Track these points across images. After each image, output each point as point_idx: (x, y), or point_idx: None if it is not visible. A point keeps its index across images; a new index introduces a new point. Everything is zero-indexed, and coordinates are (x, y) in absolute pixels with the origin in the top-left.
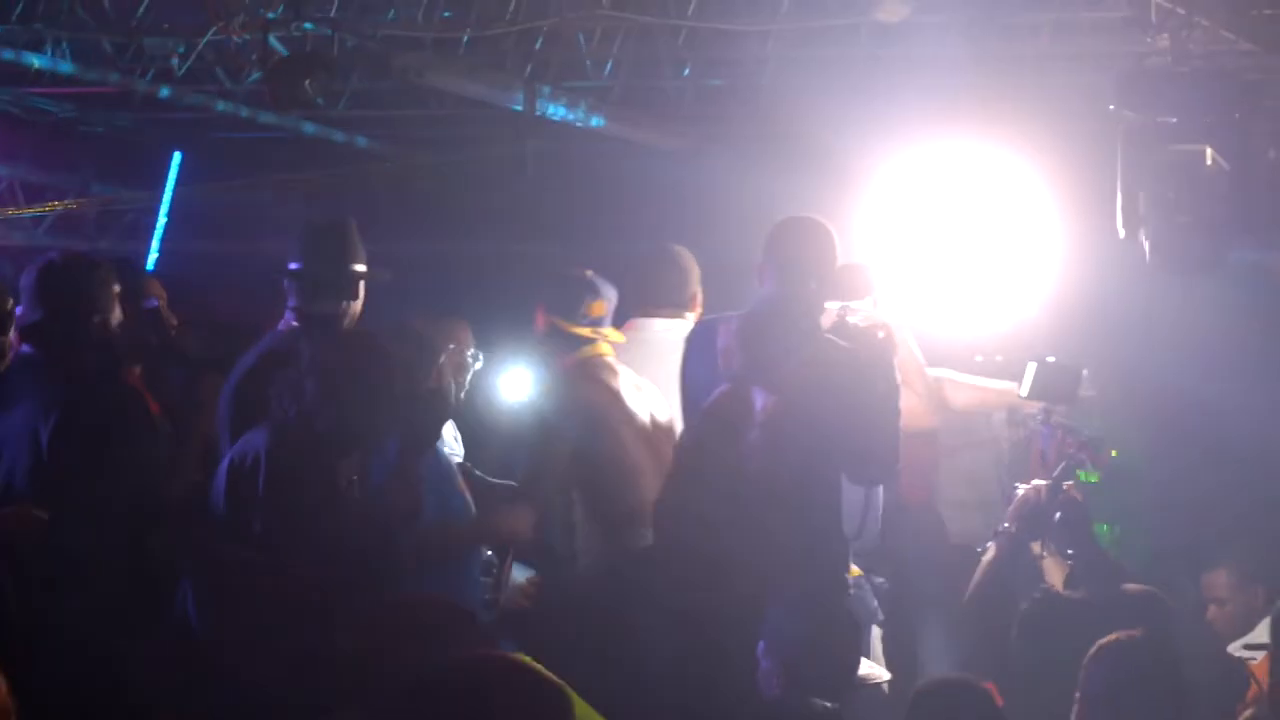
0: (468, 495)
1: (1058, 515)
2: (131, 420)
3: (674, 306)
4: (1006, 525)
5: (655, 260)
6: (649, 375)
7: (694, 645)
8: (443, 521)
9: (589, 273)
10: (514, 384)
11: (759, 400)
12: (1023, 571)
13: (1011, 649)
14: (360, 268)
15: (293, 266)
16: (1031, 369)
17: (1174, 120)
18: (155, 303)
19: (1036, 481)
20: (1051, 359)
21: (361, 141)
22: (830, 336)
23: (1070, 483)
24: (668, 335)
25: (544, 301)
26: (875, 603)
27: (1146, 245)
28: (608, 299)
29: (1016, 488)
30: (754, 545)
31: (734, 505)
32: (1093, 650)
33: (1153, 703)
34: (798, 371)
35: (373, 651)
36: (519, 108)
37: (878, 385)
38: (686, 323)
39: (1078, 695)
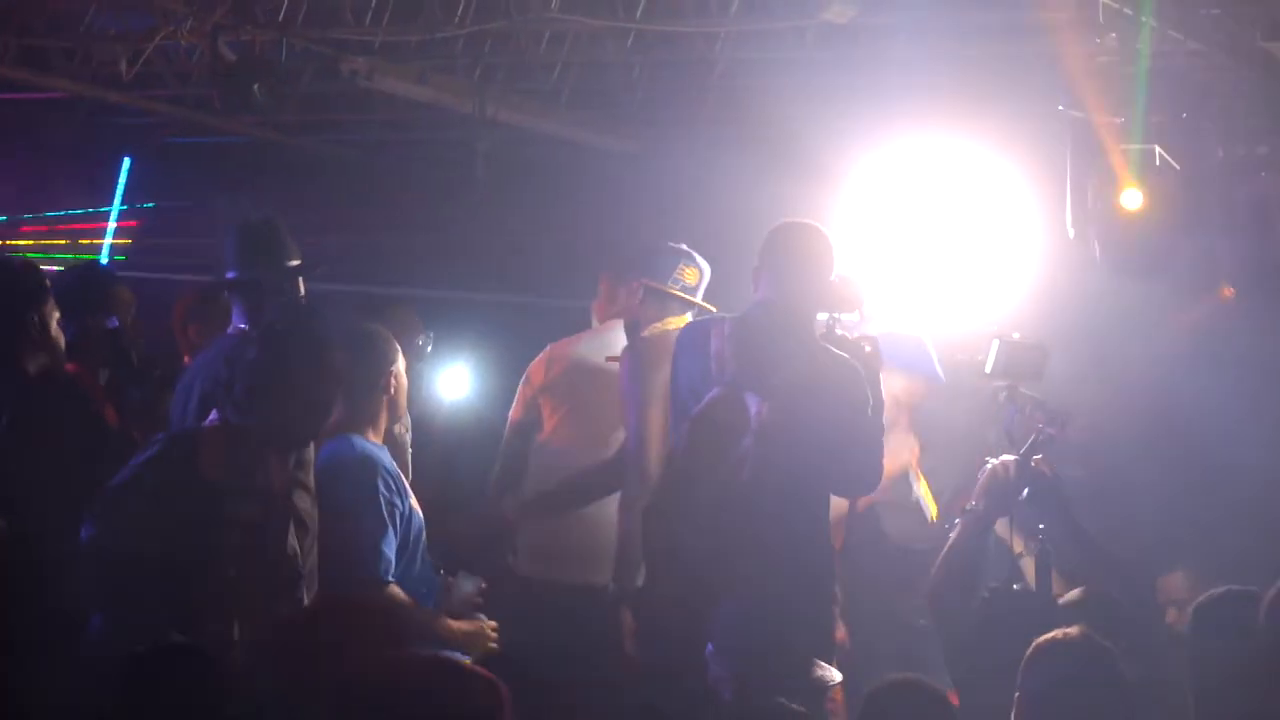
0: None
1: (1025, 491)
2: (80, 418)
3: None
4: (974, 503)
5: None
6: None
7: (678, 647)
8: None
9: (683, 245)
10: (453, 382)
11: (753, 406)
12: (991, 554)
13: (965, 647)
14: (295, 263)
15: (230, 275)
16: (995, 346)
17: (1121, 120)
18: (115, 322)
19: (1005, 457)
20: (1016, 336)
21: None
22: (825, 344)
23: (1039, 457)
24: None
25: (637, 269)
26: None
27: (1096, 245)
28: (703, 270)
29: (986, 462)
30: (742, 551)
31: (724, 511)
32: (1030, 649)
33: (1091, 703)
34: (792, 379)
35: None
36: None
37: (867, 401)
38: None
39: (1016, 695)
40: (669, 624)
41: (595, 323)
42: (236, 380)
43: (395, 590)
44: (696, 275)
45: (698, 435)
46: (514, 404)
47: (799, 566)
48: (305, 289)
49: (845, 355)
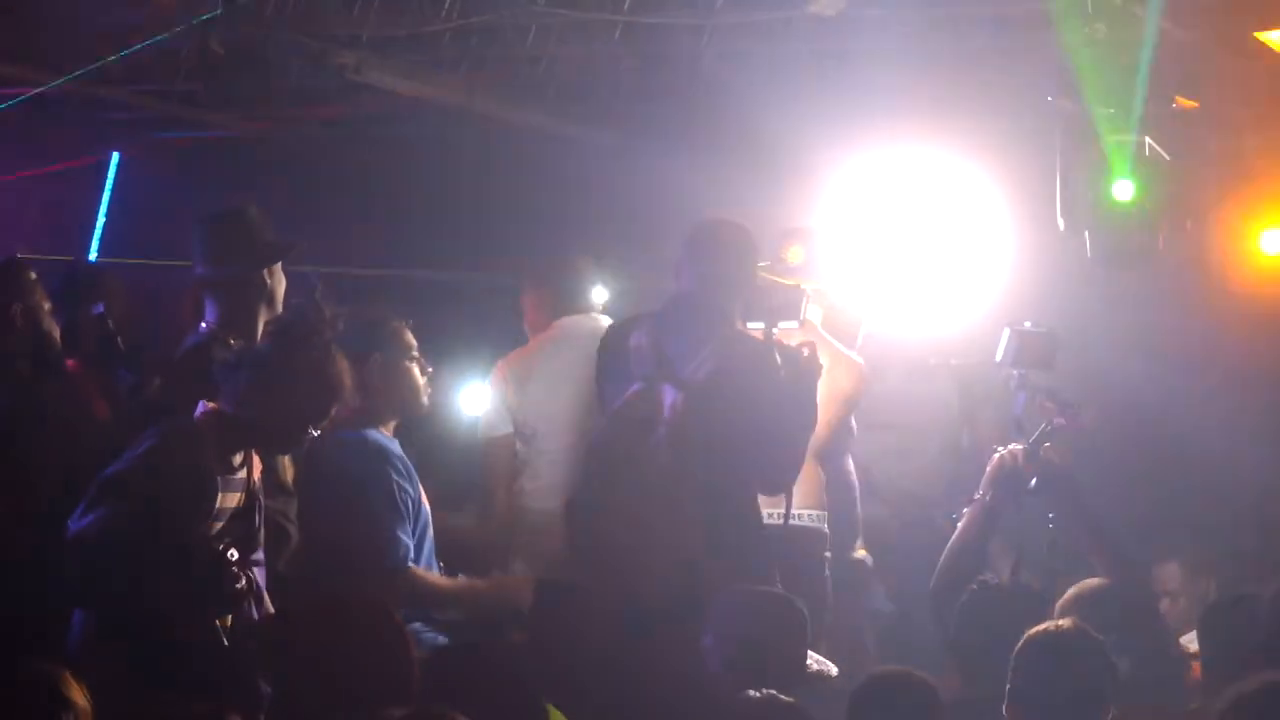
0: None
1: (1034, 481)
2: (71, 412)
3: (592, 308)
4: (981, 493)
5: (570, 266)
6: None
7: (623, 639)
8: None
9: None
10: (472, 399)
11: (668, 397)
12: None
13: (954, 641)
14: (269, 246)
15: (199, 272)
16: (1007, 335)
17: (1112, 111)
18: (100, 308)
19: (1013, 446)
20: (1028, 324)
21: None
22: (742, 333)
23: (1048, 445)
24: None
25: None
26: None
27: (1087, 237)
28: (806, 245)
29: (995, 451)
30: (663, 541)
31: (643, 502)
32: (1021, 642)
33: (1081, 694)
34: (704, 370)
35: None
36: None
37: (795, 397)
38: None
39: (1008, 688)
40: (594, 615)
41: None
42: (243, 369)
43: (417, 572)
44: (800, 254)
45: (615, 429)
46: (488, 421)
47: (726, 554)
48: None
49: (759, 342)
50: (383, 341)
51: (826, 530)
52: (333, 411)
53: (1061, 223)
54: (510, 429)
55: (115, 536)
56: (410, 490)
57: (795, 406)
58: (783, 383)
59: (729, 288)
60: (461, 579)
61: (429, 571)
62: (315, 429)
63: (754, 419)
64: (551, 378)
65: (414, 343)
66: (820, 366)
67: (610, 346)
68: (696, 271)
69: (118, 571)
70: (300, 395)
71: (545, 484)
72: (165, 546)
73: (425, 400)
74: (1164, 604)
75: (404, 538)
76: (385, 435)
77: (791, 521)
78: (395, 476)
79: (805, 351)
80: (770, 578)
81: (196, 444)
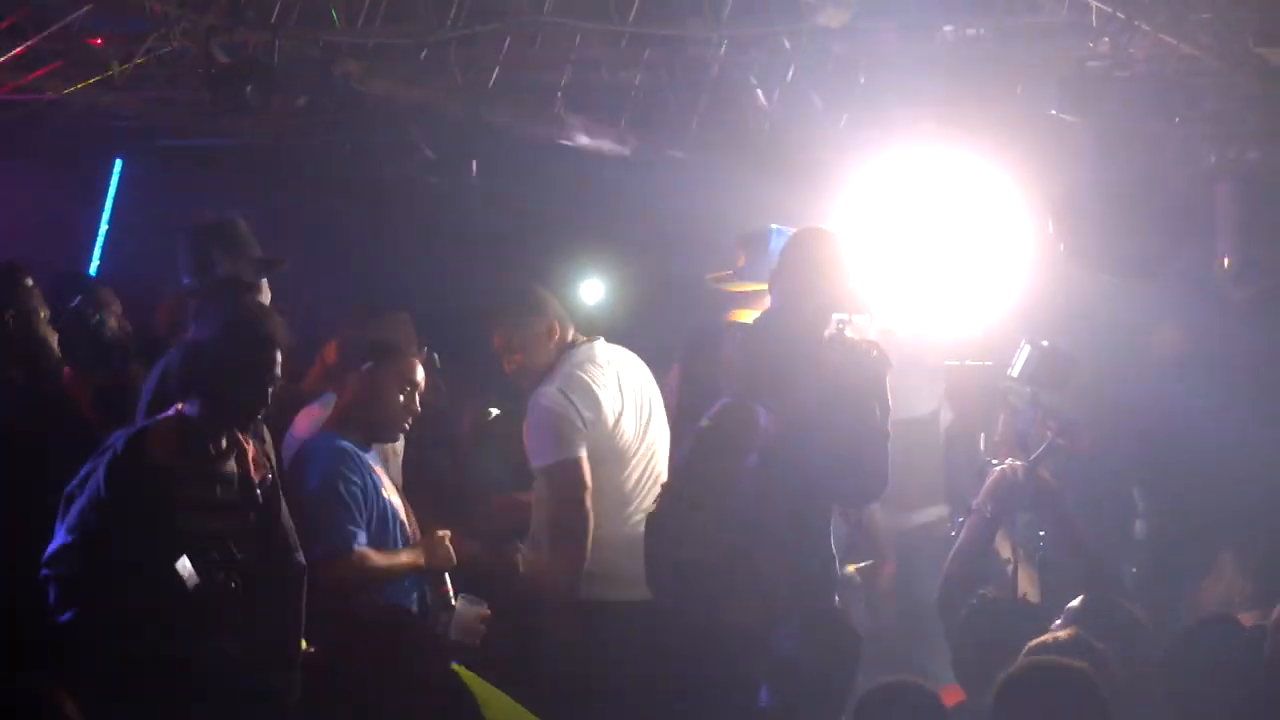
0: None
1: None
2: (65, 420)
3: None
4: (980, 504)
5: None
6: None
7: (690, 663)
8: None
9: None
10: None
11: (761, 419)
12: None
13: (955, 654)
14: (256, 258)
15: (185, 281)
16: (1025, 351)
17: (1114, 124)
18: (76, 300)
19: (1012, 461)
20: (1046, 343)
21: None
22: (834, 356)
23: (1041, 467)
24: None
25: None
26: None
27: (1089, 249)
28: (751, 248)
29: (992, 464)
30: (748, 566)
31: (730, 527)
32: (1024, 651)
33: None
34: (800, 393)
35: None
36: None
37: (874, 407)
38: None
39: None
40: (670, 634)
41: None
42: (184, 364)
43: (364, 553)
44: (740, 259)
45: (705, 447)
46: (567, 443)
47: (798, 579)
48: (270, 287)
49: (853, 365)
50: (398, 369)
51: None
52: (268, 394)
53: (1060, 243)
54: (584, 451)
55: (76, 551)
56: (358, 481)
57: (874, 417)
58: (874, 404)
59: (822, 303)
60: (401, 553)
61: (375, 552)
62: (255, 413)
63: (847, 444)
64: (611, 396)
65: (418, 380)
66: (889, 364)
67: (698, 345)
68: (789, 286)
69: (84, 583)
70: (229, 376)
71: (615, 500)
72: (123, 555)
73: (398, 433)
74: (1207, 581)
75: (352, 528)
76: (352, 440)
77: None
78: (347, 472)
79: (874, 352)
80: (832, 600)
81: (143, 442)
